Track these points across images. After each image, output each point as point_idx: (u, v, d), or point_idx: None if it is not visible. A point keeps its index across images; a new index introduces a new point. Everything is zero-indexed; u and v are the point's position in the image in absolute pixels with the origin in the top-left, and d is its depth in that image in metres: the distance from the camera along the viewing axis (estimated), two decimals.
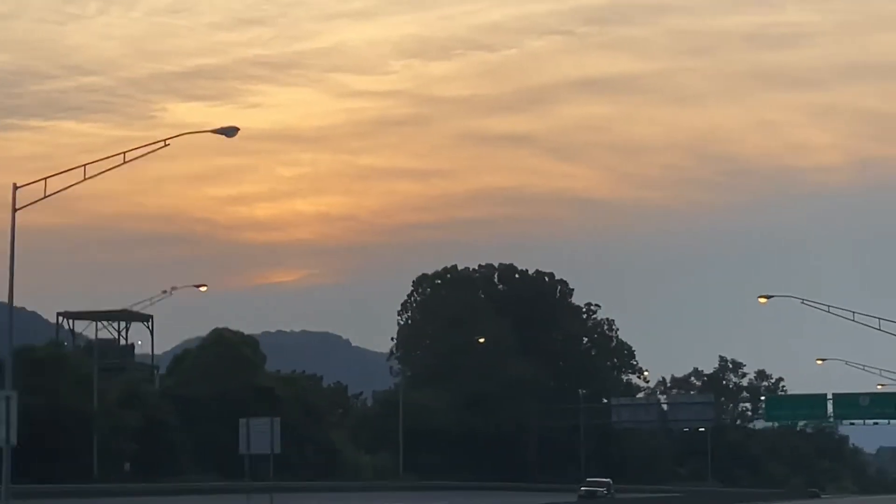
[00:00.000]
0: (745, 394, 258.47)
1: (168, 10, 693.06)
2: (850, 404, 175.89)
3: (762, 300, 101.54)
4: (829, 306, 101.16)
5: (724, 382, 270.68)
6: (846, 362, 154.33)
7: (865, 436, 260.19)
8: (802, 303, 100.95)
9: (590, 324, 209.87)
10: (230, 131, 54.97)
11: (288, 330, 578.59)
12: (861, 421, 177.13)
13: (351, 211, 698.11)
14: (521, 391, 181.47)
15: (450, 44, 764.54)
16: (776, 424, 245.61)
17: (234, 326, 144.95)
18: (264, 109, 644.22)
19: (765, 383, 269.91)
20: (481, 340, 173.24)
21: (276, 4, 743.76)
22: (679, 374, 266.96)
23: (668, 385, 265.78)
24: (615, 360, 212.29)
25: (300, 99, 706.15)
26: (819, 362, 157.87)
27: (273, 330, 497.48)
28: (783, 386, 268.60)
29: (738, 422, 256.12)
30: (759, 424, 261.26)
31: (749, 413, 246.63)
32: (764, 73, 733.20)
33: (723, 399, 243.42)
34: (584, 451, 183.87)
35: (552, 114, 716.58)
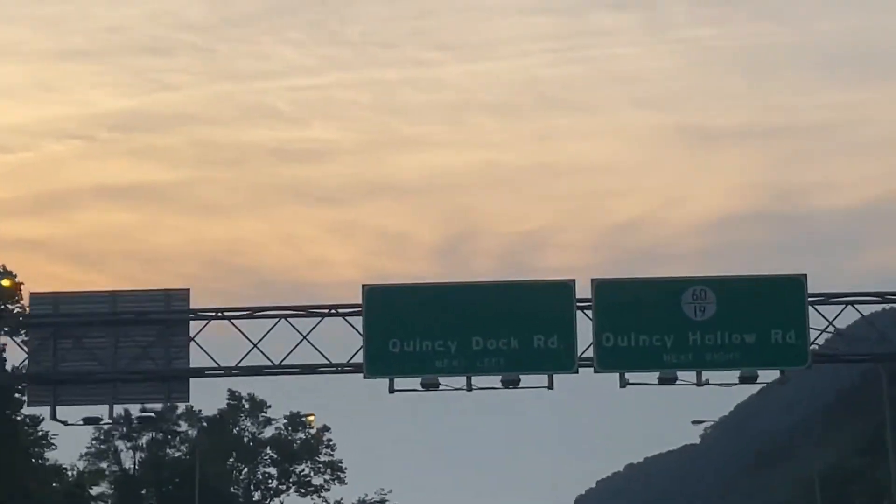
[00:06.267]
0: (268, 449, 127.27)
1: None
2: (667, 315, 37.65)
3: None
4: None
5: (239, 431, 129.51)
6: None
7: None
8: None
9: None
10: None
11: None
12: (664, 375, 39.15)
13: None
14: None
15: None
16: None
17: None
18: None
19: (301, 435, 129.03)
20: None
21: None
22: None
23: None
24: None
25: None
26: None
27: None
28: (331, 441, 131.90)
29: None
30: None
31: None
32: (287, 187, 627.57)
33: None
34: None
35: (71, 220, 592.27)
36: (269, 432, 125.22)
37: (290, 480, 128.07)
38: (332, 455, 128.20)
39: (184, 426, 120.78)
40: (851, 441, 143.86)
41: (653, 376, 44.10)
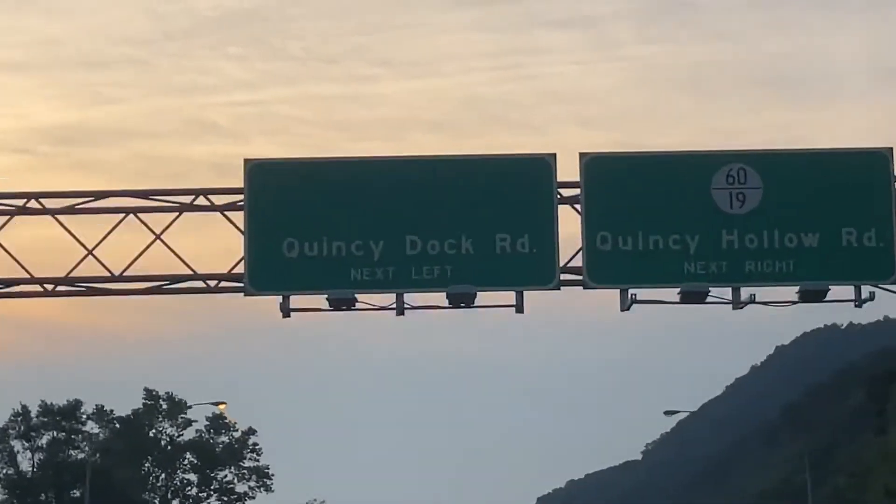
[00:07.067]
0: (187, 455, 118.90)
1: None
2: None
3: None
4: None
5: (155, 433, 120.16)
6: None
7: None
8: None
9: None
10: None
11: None
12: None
13: None
14: None
15: None
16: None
17: None
18: None
19: (224, 438, 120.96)
20: None
21: None
22: None
23: None
24: None
25: None
26: None
27: None
28: (256, 445, 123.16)
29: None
30: None
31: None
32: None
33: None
34: None
35: (4, 237, 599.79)
36: (189, 435, 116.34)
37: (212, 487, 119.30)
38: (257, 461, 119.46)
39: (91, 426, 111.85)
40: (797, 457, 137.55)
41: (671, 293, 29.14)
